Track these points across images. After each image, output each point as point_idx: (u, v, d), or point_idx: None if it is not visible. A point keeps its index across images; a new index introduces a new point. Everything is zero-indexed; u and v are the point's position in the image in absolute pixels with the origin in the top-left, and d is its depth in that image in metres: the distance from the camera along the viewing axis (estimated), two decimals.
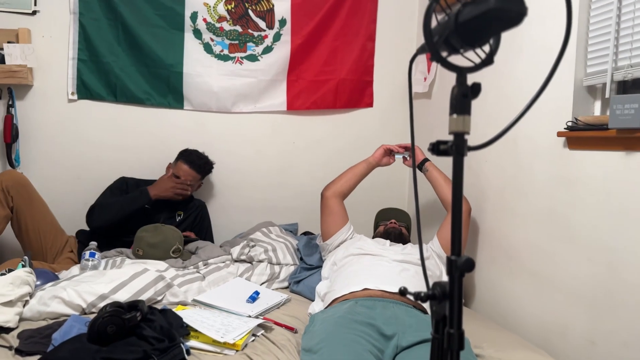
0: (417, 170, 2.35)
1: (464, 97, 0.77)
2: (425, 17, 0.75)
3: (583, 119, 1.73)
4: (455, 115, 0.77)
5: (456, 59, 0.78)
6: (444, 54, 0.78)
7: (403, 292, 0.86)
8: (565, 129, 1.80)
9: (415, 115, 3.10)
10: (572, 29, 1.77)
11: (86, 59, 2.66)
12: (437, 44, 0.77)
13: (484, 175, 2.33)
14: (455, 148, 0.79)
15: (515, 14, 0.70)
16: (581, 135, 1.74)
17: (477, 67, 0.77)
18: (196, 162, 2.62)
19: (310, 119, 3.04)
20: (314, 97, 2.98)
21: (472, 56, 0.78)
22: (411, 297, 0.82)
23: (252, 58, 2.87)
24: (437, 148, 0.81)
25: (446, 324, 0.79)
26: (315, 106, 2.99)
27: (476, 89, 0.78)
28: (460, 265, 0.77)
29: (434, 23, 0.78)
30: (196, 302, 2.02)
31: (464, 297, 2.38)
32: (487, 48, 0.78)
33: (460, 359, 1.02)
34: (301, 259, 2.53)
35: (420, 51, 0.86)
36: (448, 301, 0.79)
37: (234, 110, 2.89)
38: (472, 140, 0.79)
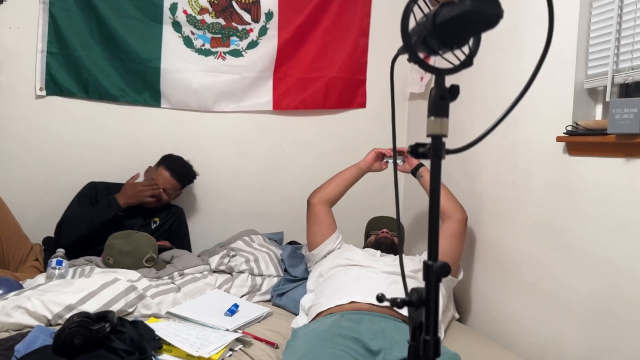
0: (412, 176, 2.42)
1: (441, 99, 0.83)
2: (402, 18, 0.81)
3: (583, 123, 1.80)
4: (433, 118, 0.83)
5: (439, 62, 0.84)
6: (422, 55, 0.85)
7: (380, 298, 0.92)
8: (564, 133, 1.87)
9: (411, 116, 3.17)
10: (572, 30, 1.84)
11: (56, 52, 2.69)
12: (415, 44, 0.83)
13: (482, 183, 2.40)
14: (433, 151, 0.84)
15: (490, 16, 0.75)
16: (581, 140, 1.81)
17: (456, 69, 0.83)
18: (178, 171, 2.67)
19: (298, 119, 3.09)
20: (302, 96, 3.04)
21: (454, 58, 0.84)
22: (387, 303, 0.88)
23: (236, 53, 2.92)
24: (416, 150, 0.87)
25: (422, 331, 0.85)
26: (304, 106, 3.05)
27: (454, 91, 0.84)
28: (436, 270, 0.83)
29: (413, 24, 0.84)
30: (170, 315, 2.06)
31: (459, 312, 2.44)
32: (467, 50, 0.85)
33: None
34: (285, 270, 2.57)
35: (400, 52, 0.92)
36: (424, 307, 0.85)
37: (215, 109, 2.93)
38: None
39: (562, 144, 1.92)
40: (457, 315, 2.39)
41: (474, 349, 1.95)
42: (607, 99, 1.77)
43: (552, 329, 1.95)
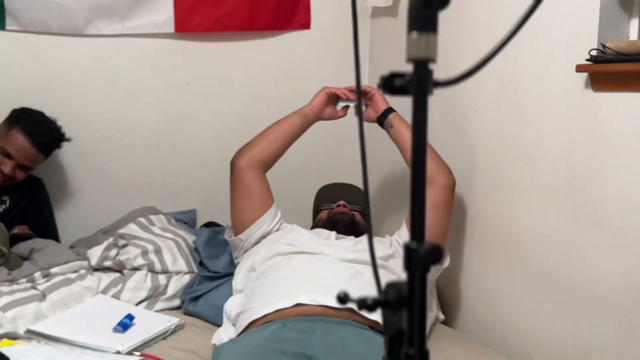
0: (379, 126, 2.41)
1: (427, 6, 0.80)
2: None
3: (613, 45, 1.81)
4: (415, 34, 0.80)
5: None
6: None
7: (343, 298, 0.90)
8: (587, 60, 1.88)
9: (374, 41, 3.16)
10: None
11: None
12: None
13: (474, 134, 2.42)
14: (416, 82, 0.82)
15: None
16: (610, 69, 1.82)
17: None
18: (42, 138, 2.57)
19: (213, 46, 3.04)
20: (217, 12, 2.98)
21: None
22: (354, 306, 0.85)
23: None
24: (391, 83, 0.84)
25: (404, 342, 0.84)
26: (221, 27, 2.99)
27: None
28: (423, 256, 0.81)
29: None
30: (33, 334, 2.00)
31: (445, 312, 2.50)
32: None
33: None
34: (201, 263, 2.56)
35: None
36: (406, 309, 0.83)
37: (89, 32, 2.83)
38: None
39: (583, 75, 1.94)
40: (442, 317, 2.44)
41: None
42: None
43: (574, 328, 2.01)
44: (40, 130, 2.56)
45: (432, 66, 0.81)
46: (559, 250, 2.06)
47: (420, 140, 0.83)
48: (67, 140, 2.70)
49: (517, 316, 2.25)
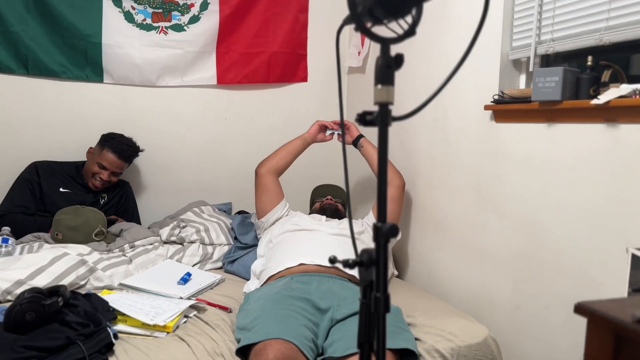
0: (353, 147, 2.42)
1: (387, 67, 0.82)
2: None
3: (509, 92, 1.84)
4: (379, 86, 0.82)
5: (382, 32, 0.82)
6: (368, 24, 0.83)
7: (332, 260, 0.91)
8: (491, 102, 1.91)
9: (350, 90, 3.15)
10: (497, 4, 1.87)
11: None
12: (361, 14, 0.81)
13: (417, 151, 2.43)
14: (380, 118, 0.83)
15: None
16: (506, 108, 1.86)
17: (400, 38, 0.82)
18: (125, 153, 2.54)
19: (243, 93, 3.01)
20: (245, 70, 2.95)
21: (398, 28, 0.82)
22: (340, 265, 0.86)
23: (178, 28, 2.79)
24: (364, 118, 0.85)
25: (373, 289, 0.85)
26: (248, 80, 2.97)
27: (399, 60, 0.82)
28: (385, 232, 0.82)
29: None
30: (123, 286, 2.00)
31: (398, 269, 2.50)
32: (410, 20, 0.83)
33: (388, 323, 1.09)
34: (235, 238, 2.54)
35: (345, 22, 0.89)
36: (374, 267, 0.84)
37: (159, 84, 2.81)
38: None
39: (489, 112, 1.96)
40: (396, 272, 2.45)
41: (412, 301, 2.00)
42: (531, 68, 1.82)
43: (482, 281, 2.03)
44: (123, 147, 2.53)
45: (390, 107, 0.83)
46: (473, 228, 2.08)
47: (383, 155, 0.84)
48: (142, 150, 2.67)
49: (444, 272, 2.26)
